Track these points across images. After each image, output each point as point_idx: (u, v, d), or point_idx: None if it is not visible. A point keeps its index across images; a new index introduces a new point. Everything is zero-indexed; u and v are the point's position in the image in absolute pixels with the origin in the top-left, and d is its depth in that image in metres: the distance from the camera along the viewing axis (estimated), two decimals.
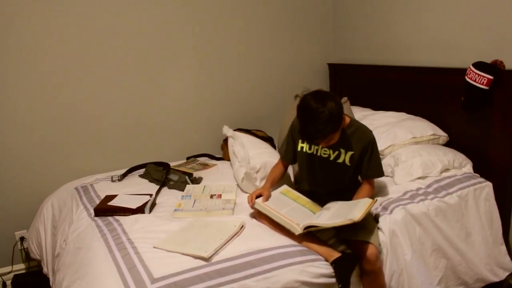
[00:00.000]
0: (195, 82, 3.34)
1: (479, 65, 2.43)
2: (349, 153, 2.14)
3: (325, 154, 2.19)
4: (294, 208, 2.11)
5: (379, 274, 1.95)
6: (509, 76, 2.38)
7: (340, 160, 2.17)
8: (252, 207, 2.15)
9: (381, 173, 2.21)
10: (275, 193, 2.21)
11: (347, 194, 2.20)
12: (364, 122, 2.80)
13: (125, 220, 2.19)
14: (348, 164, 2.15)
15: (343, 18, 3.71)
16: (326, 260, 1.87)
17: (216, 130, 3.32)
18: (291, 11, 3.61)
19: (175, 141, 3.33)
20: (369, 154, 2.14)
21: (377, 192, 2.38)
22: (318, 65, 3.83)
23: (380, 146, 2.62)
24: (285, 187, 2.30)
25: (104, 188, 2.67)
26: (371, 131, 2.18)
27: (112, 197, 2.44)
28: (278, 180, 2.37)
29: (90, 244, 2.01)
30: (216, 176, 2.84)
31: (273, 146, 3.09)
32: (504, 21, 2.42)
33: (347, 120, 2.16)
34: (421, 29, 2.96)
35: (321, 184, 2.25)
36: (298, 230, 1.93)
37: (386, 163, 2.58)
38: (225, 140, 3.14)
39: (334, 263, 1.85)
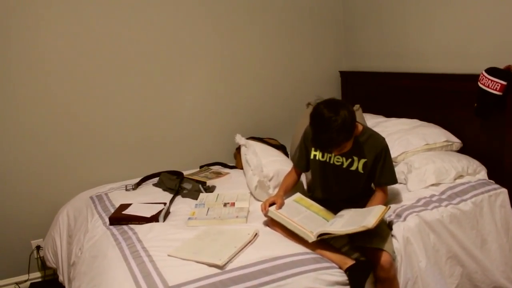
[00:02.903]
0: (208, 91, 3.36)
1: (492, 71, 2.42)
2: (362, 161, 2.15)
3: (338, 162, 2.20)
4: (307, 215, 2.11)
5: (393, 281, 1.94)
6: None
7: (353, 168, 2.17)
8: (266, 215, 2.16)
9: (394, 180, 2.21)
10: (288, 201, 2.21)
11: (360, 201, 2.20)
12: (376, 129, 2.81)
13: (140, 228, 2.21)
14: (361, 171, 2.15)
15: (354, 26, 3.72)
16: (340, 268, 1.87)
17: (229, 139, 3.34)
18: (303, 20, 3.64)
19: (188, 150, 3.36)
20: (382, 161, 2.14)
21: (390, 199, 2.37)
22: (330, 73, 3.84)
23: (393, 153, 2.62)
24: (298, 195, 2.30)
25: (118, 197, 2.69)
26: (383, 138, 2.18)
27: (126, 206, 2.46)
28: (291, 188, 2.37)
29: (105, 252, 2.03)
30: (229, 185, 2.86)
31: (286, 154, 3.09)
32: None
33: (360, 127, 2.16)
34: (432, 35, 2.95)
35: (334, 192, 2.25)
36: (311, 237, 1.93)
37: (399, 170, 2.58)
38: (238, 149, 3.15)
39: (348, 271, 1.84)
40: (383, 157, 2.14)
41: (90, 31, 2.92)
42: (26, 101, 2.82)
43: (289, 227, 2.02)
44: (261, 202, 2.27)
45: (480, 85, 2.46)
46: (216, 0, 3.28)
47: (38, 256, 3.00)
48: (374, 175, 2.17)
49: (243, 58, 3.45)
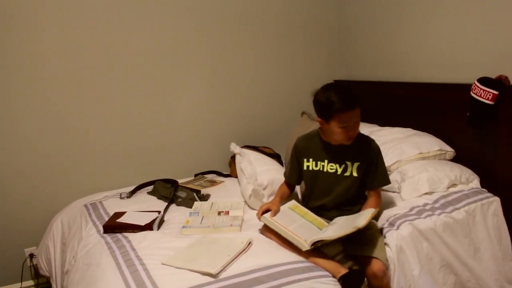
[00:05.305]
0: (203, 99, 3.38)
1: (484, 81, 2.44)
2: (356, 164, 2.16)
3: (332, 169, 2.21)
4: (302, 224, 2.12)
5: None
6: None
7: (348, 173, 2.18)
8: (260, 220, 2.17)
9: (387, 181, 2.23)
10: (283, 208, 2.22)
11: (355, 208, 2.21)
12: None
13: (134, 236, 2.20)
14: (356, 175, 2.17)
15: (349, 35, 3.75)
16: (334, 276, 1.87)
17: (223, 147, 3.35)
18: (297, 29, 3.67)
19: (183, 159, 3.36)
20: (375, 163, 2.17)
21: (384, 207, 2.38)
22: (325, 81, 3.80)
23: (387, 162, 2.63)
24: (293, 203, 2.31)
25: (113, 205, 2.69)
26: (374, 140, 2.22)
27: (120, 214, 2.46)
28: (286, 197, 2.39)
29: (99, 260, 2.02)
30: (223, 193, 2.86)
31: (281, 162, 3.10)
32: (508, 37, 2.44)
33: None
34: (426, 45, 2.98)
35: (329, 199, 2.26)
36: (305, 246, 1.93)
37: (393, 179, 2.58)
38: (233, 157, 3.16)
39: (342, 279, 1.84)
40: (375, 159, 2.17)
41: (85, 41, 2.93)
42: (20, 109, 2.83)
43: (283, 234, 2.03)
44: (256, 210, 2.28)
45: (473, 95, 2.48)
46: (210, 9, 3.30)
47: (31, 264, 2.99)
48: (367, 178, 2.19)
49: (238, 67, 3.47)
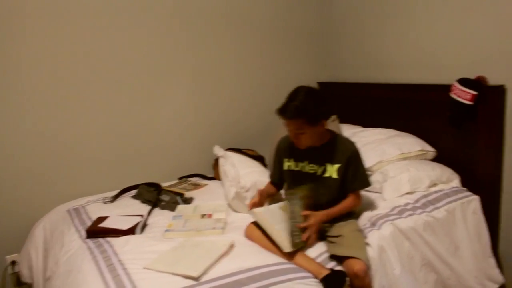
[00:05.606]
0: (186, 103, 3.37)
1: (463, 81, 2.48)
2: (335, 166, 2.18)
3: (312, 170, 2.23)
4: (287, 226, 2.13)
5: None
6: (492, 91, 2.44)
7: (327, 174, 2.20)
8: (250, 213, 2.23)
9: (367, 184, 2.24)
10: (273, 207, 2.22)
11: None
12: (353, 139, 2.81)
13: (116, 241, 2.19)
14: (336, 177, 2.19)
15: (332, 37, 3.78)
16: (316, 277, 1.88)
17: (208, 150, 3.34)
18: (281, 32, 3.68)
19: (167, 162, 3.35)
20: (354, 165, 2.18)
21: (365, 208, 2.41)
22: (309, 83, 3.86)
23: (369, 162, 2.66)
24: (284, 203, 2.31)
25: (96, 210, 2.67)
26: (354, 143, 2.24)
27: (103, 218, 2.45)
28: (271, 194, 2.42)
29: (80, 266, 2.01)
30: (207, 196, 2.86)
31: (264, 165, 3.11)
32: (486, 39, 2.49)
33: (331, 134, 2.24)
34: (408, 47, 3.02)
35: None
36: (288, 247, 1.95)
37: (374, 179, 2.61)
38: (217, 160, 3.16)
39: (324, 281, 1.85)
40: (354, 161, 2.18)
41: (64, 45, 2.89)
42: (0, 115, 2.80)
43: (268, 232, 2.05)
44: (239, 213, 2.37)
45: (453, 95, 2.52)
46: (194, 13, 3.30)
47: (13, 272, 2.95)
48: (346, 181, 2.20)
49: (221, 69, 3.47)
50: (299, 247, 2.00)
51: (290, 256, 1.97)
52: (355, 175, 2.19)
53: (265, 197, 2.35)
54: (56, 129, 2.95)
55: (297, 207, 2.09)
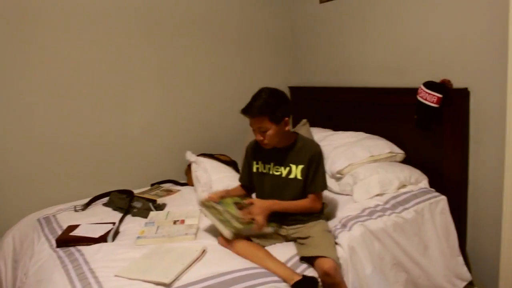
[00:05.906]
0: (157, 108, 3.36)
1: (429, 85, 2.55)
2: (300, 167, 2.22)
3: (278, 172, 2.27)
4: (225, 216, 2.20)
5: (341, 285, 1.98)
6: (457, 94, 2.51)
7: (292, 176, 2.24)
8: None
9: (324, 186, 2.27)
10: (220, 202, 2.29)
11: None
12: (324, 142, 2.90)
13: (87, 249, 2.17)
14: (300, 178, 2.22)
15: (302, 43, 3.82)
16: (287, 283, 1.88)
17: (180, 156, 3.32)
18: (252, 37, 3.71)
19: (139, 168, 3.33)
20: (315, 166, 2.22)
21: (336, 209, 2.45)
22: (280, 88, 3.89)
23: (340, 165, 2.71)
24: (237, 198, 2.35)
25: (67, 219, 2.63)
26: (318, 145, 2.29)
27: (74, 227, 2.41)
28: (240, 196, 2.42)
29: (50, 276, 1.98)
30: (180, 202, 2.85)
31: (237, 170, 3.12)
32: (451, 43, 2.56)
33: (296, 136, 2.29)
34: (375, 52, 3.08)
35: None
36: (229, 234, 2.07)
37: (345, 182, 2.66)
38: (190, 166, 3.15)
39: (295, 286, 1.85)
40: (315, 162, 2.22)
41: (28, 52, 2.85)
42: None
43: (212, 221, 2.19)
44: None
45: (419, 98, 2.58)
46: (164, 19, 3.30)
47: None
48: (306, 181, 2.23)
49: (192, 74, 3.47)
50: (242, 231, 2.08)
51: (262, 261, 1.97)
52: (314, 177, 2.22)
53: (221, 193, 2.39)
54: (25, 137, 2.90)
55: (232, 206, 2.21)
